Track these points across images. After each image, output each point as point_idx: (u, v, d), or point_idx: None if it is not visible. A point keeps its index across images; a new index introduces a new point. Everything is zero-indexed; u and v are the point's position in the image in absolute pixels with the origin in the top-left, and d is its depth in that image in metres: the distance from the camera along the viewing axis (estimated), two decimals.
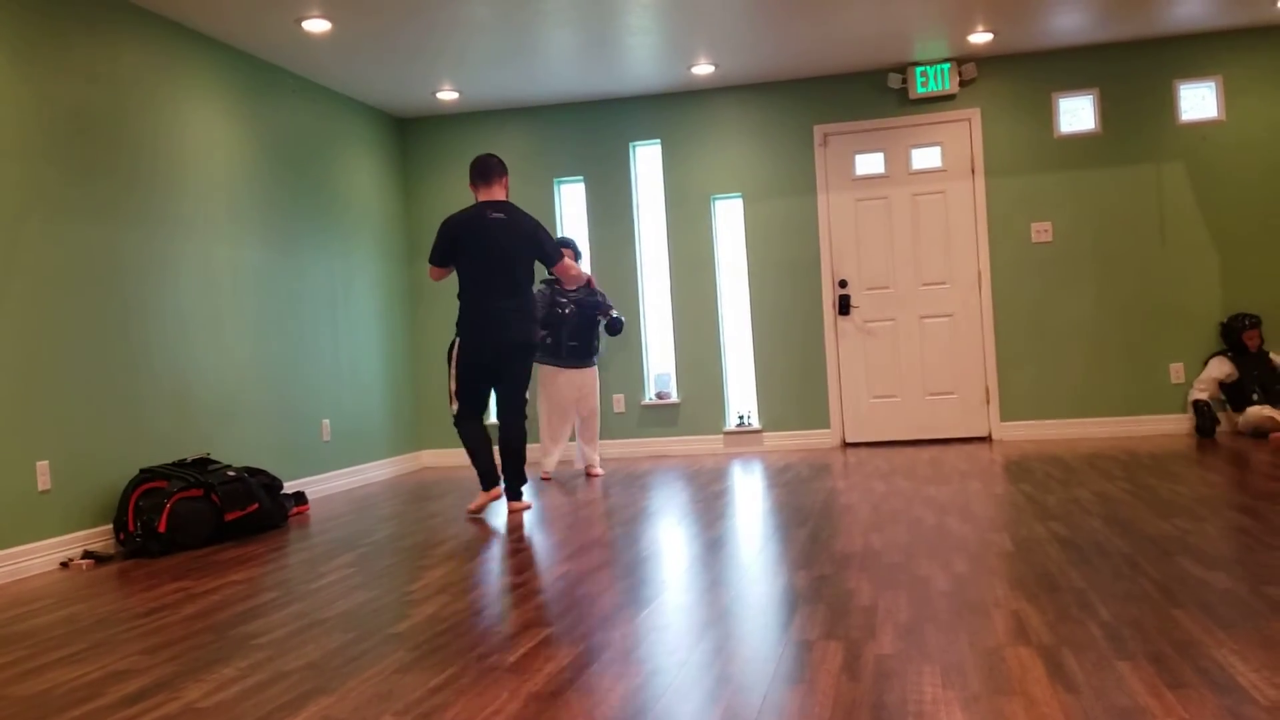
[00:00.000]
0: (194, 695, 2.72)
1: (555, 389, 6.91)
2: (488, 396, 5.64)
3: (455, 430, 5.59)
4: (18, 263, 4.72)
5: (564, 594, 3.63)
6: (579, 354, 6.90)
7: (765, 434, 7.96)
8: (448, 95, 7.71)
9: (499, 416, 5.58)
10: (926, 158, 7.78)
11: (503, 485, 5.68)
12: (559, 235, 8.28)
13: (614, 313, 7.04)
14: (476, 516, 5.56)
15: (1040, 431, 7.63)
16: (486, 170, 5.57)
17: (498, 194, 5.58)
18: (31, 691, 2.86)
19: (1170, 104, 7.46)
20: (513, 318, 5.44)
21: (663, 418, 8.10)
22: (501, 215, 5.47)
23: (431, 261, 5.56)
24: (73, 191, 5.05)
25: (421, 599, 3.67)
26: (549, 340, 6.81)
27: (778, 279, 7.94)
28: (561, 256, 5.67)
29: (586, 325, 6.90)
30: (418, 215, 8.43)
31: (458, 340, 5.55)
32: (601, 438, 8.18)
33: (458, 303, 5.53)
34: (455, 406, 5.62)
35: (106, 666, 3.06)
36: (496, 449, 6.06)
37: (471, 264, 5.44)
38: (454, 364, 5.58)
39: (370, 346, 7.72)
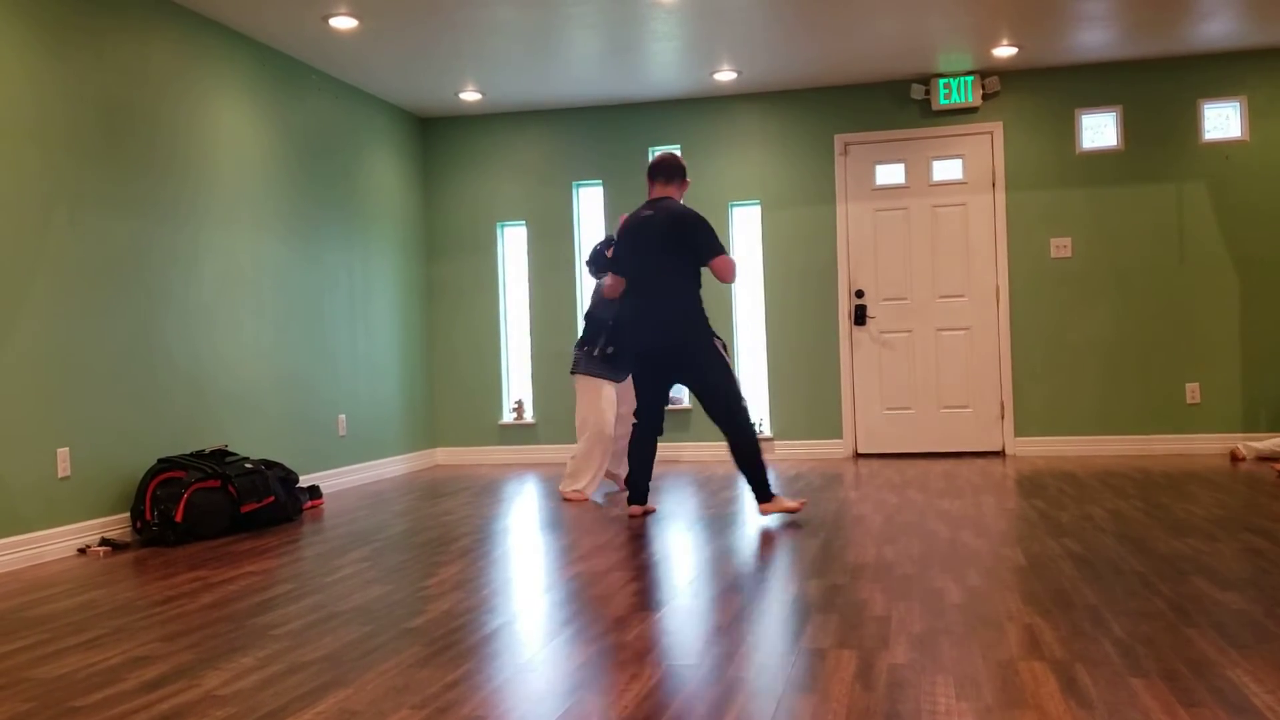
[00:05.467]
0: (213, 683, 2.75)
1: (591, 401, 6.05)
2: (658, 406, 5.33)
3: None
4: (44, 252, 4.77)
5: (577, 595, 3.65)
6: (620, 364, 6.10)
7: (777, 442, 7.97)
8: (470, 96, 7.75)
9: (716, 423, 5.18)
10: (947, 170, 7.79)
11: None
12: (575, 237, 8.31)
13: None
14: (636, 518, 5.35)
15: (1054, 448, 7.62)
16: (654, 168, 5.37)
17: (659, 192, 5.35)
18: (53, 675, 2.89)
19: (1194, 123, 7.45)
20: (659, 319, 5.17)
21: (674, 423, 8.12)
22: (650, 212, 5.26)
23: (610, 269, 5.48)
24: (98, 182, 5.09)
25: (437, 595, 3.70)
26: (594, 351, 6.08)
27: (794, 287, 7.96)
28: (717, 254, 5.14)
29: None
30: (437, 214, 8.47)
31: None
32: None
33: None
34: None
35: (126, 652, 3.09)
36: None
37: (626, 266, 5.32)
38: None
39: (387, 343, 7.76)
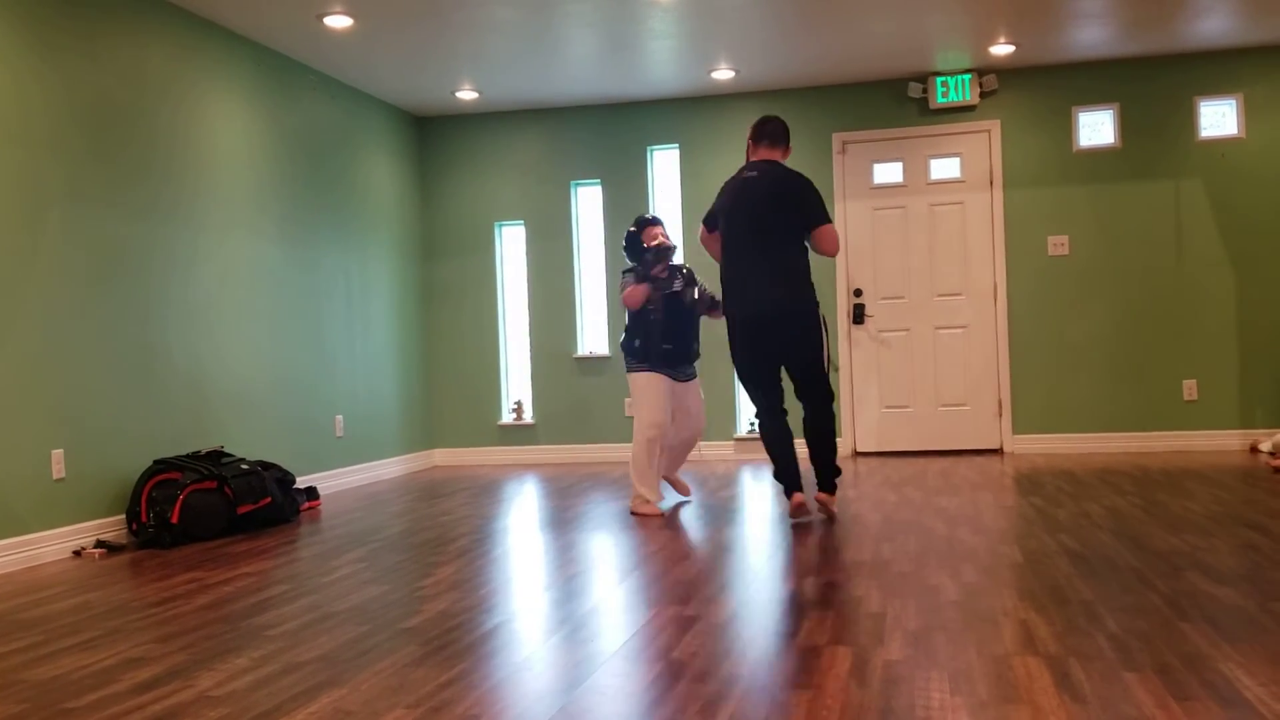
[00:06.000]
0: (207, 684, 2.75)
1: (656, 397, 5.34)
2: (775, 381, 4.93)
3: None
4: (39, 252, 4.76)
5: (574, 594, 3.65)
6: (673, 359, 5.42)
7: None
8: (467, 95, 7.74)
9: (803, 398, 4.90)
10: (945, 168, 7.78)
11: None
12: (574, 236, 8.30)
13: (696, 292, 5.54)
14: (800, 521, 4.93)
15: (1052, 445, 7.62)
16: (759, 130, 5.02)
17: (763, 155, 5.00)
18: (46, 676, 2.89)
19: (1190, 120, 7.45)
20: (765, 283, 4.81)
21: None
22: (754, 174, 4.93)
23: (703, 222, 5.15)
24: (94, 183, 5.09)
25: (433, 595, 3.70)
26: (637, 344, 5.38)
27: None
28: (824, 220, 4.85)
29: (683, 322, 5.46)
30: (435, 214, 8.46)
31: (725, 316, 5.03)
32: (609, 441, 8.19)
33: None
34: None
35: (120, 654, 3.08)
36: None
37: (725, 228, 4.95)
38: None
39: (384, 344, 7.76)
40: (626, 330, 5.47)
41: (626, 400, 8.16)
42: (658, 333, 5.36)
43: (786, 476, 4.95)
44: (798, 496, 4.91)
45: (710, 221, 5.13)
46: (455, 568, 4.19)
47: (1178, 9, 6.42)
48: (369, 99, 7.67)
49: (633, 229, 5.55)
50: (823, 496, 4.92)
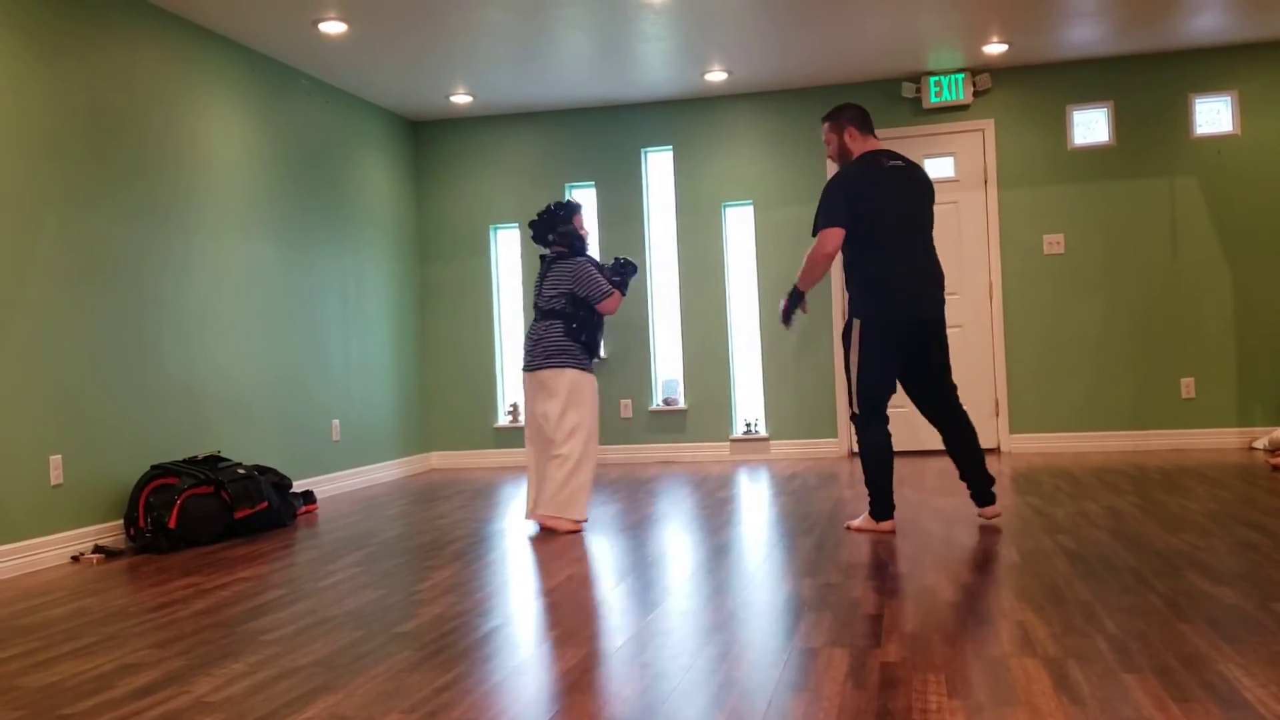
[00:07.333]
0: (203, 689, 2.74)
1: (594, 401, 5.07)
2: (894, 391, 4.57)
3: (855, 433, 4.60)
4: (34, 258, 4.75)
5: (570, 597, 3.65)
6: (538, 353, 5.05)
7: (772, 442, 7.97)
8: (461, 98, 7.74)
9: (933, 412, 4.58)
10: (939, 168, 7.78)
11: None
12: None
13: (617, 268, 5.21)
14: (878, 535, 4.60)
15: (1049, 444, 7.62)
16: (862, 119, 4.63)
17: (875, 145, 4.62)
18: (43, 683, 2.88)
19: (1185, 117, 7.45)
20: (932, 286, 4.52)
21: (670, 424, 8.11)
22: (899, 163, 4.54)
23: (830, 224, 4.44)
24: (89, 188, 5.08)
25: (429, 599, 3.69)
26: (599, 340, 5.17)
27: (787, 286, 7.95)
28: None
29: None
30: (430, 217, 8.46)
31: (860, 321, 4.48)
32: (609, 442, 8.18)
33: (851, 276, 4.57)
34: (856, 403, 4.54)
35: (117, 659, 3.08)
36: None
37: (872, 224, 4.45)
38: (856, 350, 4.49)
39: (381, 347, 7.75)
40: (579, 324, 4.99)
41: (624, 402, 8.15)
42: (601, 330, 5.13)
43: (889, 499, 4.60)
44: (891, 524, 4.61)
45: (842, 217, 4.47)
46: (451, 571, 4.18)
47: (1172, 6, 6.42)
48: (364, 104, 7.67)
49: (562, 213, 5.08)
50: (991, 511, 4.63)
